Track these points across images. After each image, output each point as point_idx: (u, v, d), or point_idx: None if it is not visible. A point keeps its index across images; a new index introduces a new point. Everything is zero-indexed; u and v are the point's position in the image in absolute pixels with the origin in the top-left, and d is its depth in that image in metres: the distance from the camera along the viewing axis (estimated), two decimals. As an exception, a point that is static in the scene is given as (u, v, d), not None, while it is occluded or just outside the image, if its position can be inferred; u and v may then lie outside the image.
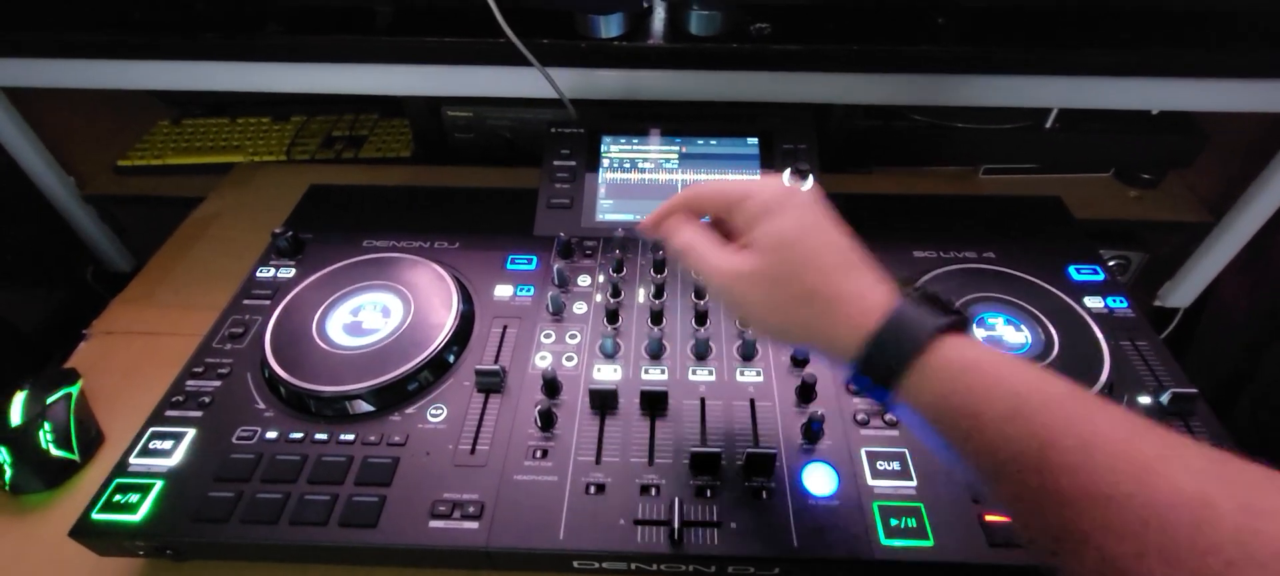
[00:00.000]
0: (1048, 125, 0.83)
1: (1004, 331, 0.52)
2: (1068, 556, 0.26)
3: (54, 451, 0.49)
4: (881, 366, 0.32)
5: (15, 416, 0.50)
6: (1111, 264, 0.86)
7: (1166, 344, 0.53)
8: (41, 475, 0.49)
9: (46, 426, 0.50)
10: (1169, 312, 0.90)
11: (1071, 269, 0.60)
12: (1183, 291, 0.87)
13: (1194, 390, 0.48)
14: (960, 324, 0.32)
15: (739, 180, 0.38)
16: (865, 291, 0.34)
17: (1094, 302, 0.56)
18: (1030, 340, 0.52)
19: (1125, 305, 0.56)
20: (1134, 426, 0.27)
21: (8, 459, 0.48)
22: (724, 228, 0.39)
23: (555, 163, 0.68)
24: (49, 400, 0.51)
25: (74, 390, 0.53)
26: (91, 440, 0.52)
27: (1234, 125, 0.80)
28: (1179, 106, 0.72)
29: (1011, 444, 0.28)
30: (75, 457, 0.51)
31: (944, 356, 0.31)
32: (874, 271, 0.35)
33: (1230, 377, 0.91)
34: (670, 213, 0.40)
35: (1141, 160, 0.87)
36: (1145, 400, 0.49)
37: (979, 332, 0.52)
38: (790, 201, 0.36)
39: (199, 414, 0.48)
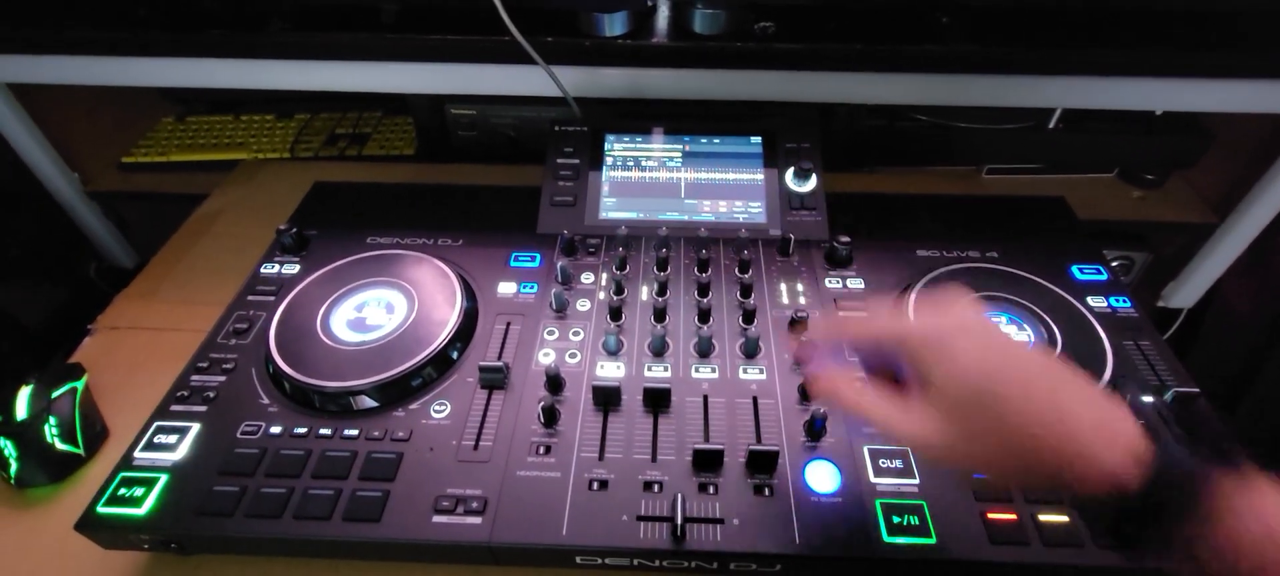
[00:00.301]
0: (1051, 125, 0.83)
1: (1007, 330, 0.52)
2: None
3: (59, 445, 0.50)
4: (1139, 524, 0.29)
5: (21, 410, 0.50)
6: (1115, 264, 0.85)
7: (1171, 344, 0.53)
8: (46, 469, 0.49)
9: (52, 420, 0.50)
10: (1172, 313, 0.90)
11: (1074, 268, 0.60)
12: (1186, 292, 0.87)
13: (1196, 390, 0.48)
14: (1237, 458, 0.29)
15: (901, 323, 0.38)
16: (1106, 423, 0.31)
17: (1097, 302, 0.56)
18: (1033, 339, 0.52)
19: (1128, 305, 0.56)
20: None
21: (13, 453, 0.48)
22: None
23: (559, 160, 0.68)
24: (54, 394, 0.51)
25: (79, 385, 0.53)
26: (96, 434, 0.53)
27: (1239, 125, 0.80)
28: (1183, 107, 0.72)
29: None
30: (80, 452, 0.51)
31: (1228, 515, 0.27)
32: (1088, 390, 0.32)
33: (1233, 379, 0.91)
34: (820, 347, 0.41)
35: (1145, 160, 0.87)
36: (1148, 399, 0.49)
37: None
38: (959, 339, 0.33)
39: (204, 408, 0.48)
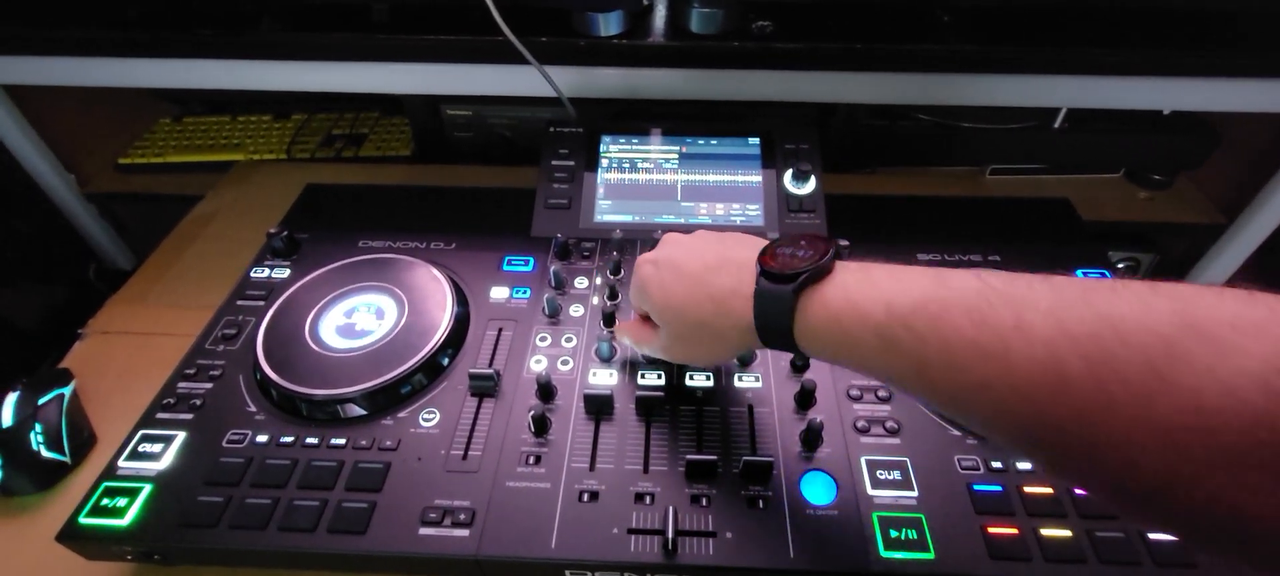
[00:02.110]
0: (1056, 125, 0.82)
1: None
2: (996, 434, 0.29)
3: (45, 453, 0.49)
4: (777, 342, 0.36)
5: (6, 417, 0.49)
6: (1121, 266, 0.84)
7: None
8: (32, 477, 0.49)
9: (38, 428, 0.49)
10: (1179, 316, 0.88)
11: (1078, 272, 0.58)
12: (1194, 295, 0.86)
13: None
14: (821, 268, 0.34)
15: (632, 285, 0.45)
16: (734, 290, 0.37)
17: (1102, 308, 0.55)
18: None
19: (1134, 310, 0.55)
20: (984, 306, 0.28)
21: (-1, 460, 0.48)
22: None
23: (553, 162, 0.67)
24: (41, 401, 0.51)
25: (67, 391, 0.53)
26: (84, 441, 0.52)
27: (1247, 126, 0.78)
28: (1191, 106, 0.71)
29: (895, 372, 0.31)
30: (67, 459, 0.50)
31: (809, 319, 0.34)
32: (732, 263, 0.38)
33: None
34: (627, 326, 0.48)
35: (1152, 161, 0.85)
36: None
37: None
38: (650, 272, 0.42)
39: (190, 416, 0.48)
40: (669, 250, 0.42)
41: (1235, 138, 0.81)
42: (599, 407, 0.47)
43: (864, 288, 0.32)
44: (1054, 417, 0.25)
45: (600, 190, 0.66)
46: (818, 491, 0.43)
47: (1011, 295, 0.28)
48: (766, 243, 0.39)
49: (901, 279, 0.32)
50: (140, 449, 0.45)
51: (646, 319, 0.45)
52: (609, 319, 0.54)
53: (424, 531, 0.41)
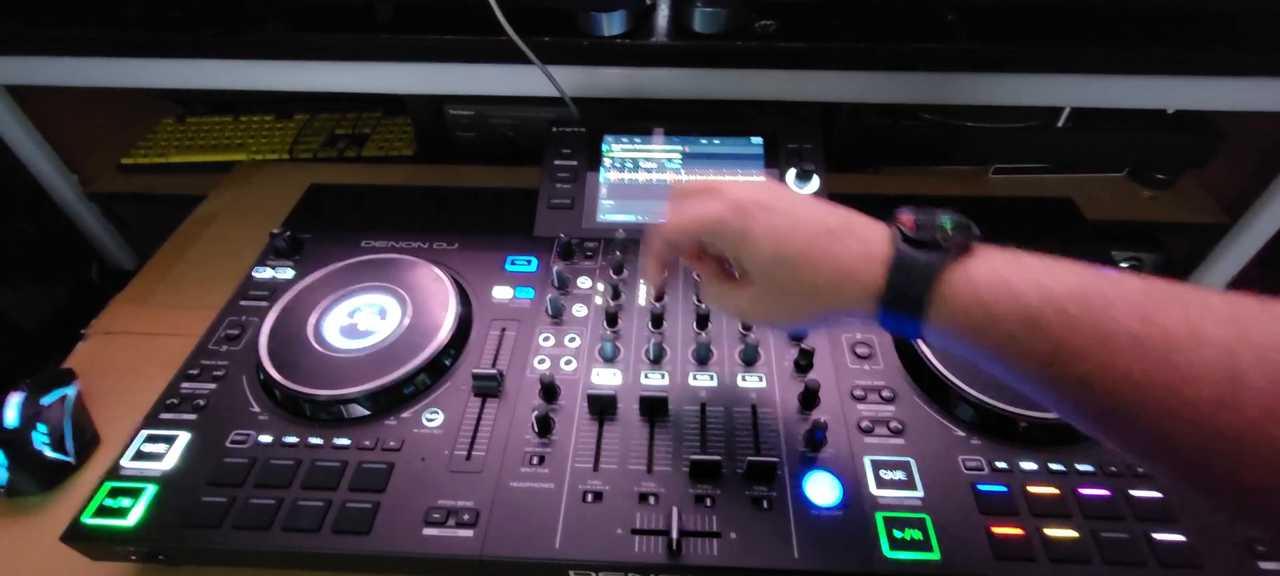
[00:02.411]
0: (1060, 124, 0.81)
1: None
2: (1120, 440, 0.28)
3: (49, 453, 0.49)
4: (902, 315, 0.33)
5: (10, 418, 0.49)
6: (1125, 265, 0.84)
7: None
8: (36, 477, 0.49)
9: (42, 428, 0.49)
10: (1183, 316, 0.88)
11: (1083, 272, 0.58)
12: (1197, 294, 0.85)
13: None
14: (965, 244, 0.32)
15: (702, 210, 0.38)
16: (864, 253, 0.34)
17: (1106, 307, 0.54)
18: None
19: (1139, 310, 0.55)
20: (1150, 303, 0.27)
21: (2, 461, 0.48)
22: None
23: (556, 162, 0.67)
24: (45, 401, 0.51)
25: (70, 391, 0.53)
26: (87, 442, 0.52)
27: (1251, 125, 0.78)
28: (1195, 105, 0.70)
29: (1032, 363, 0.29)
30: (71, 459, 0.50)
31: (951, 294, 0.31)
32: (860, 227, 0.36)
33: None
34: (660, 260, 0.42)
35: (1156, 160, 0.85)
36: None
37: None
38: (752, 215, 0.37)
39: (193, 417, 0.48)
40: (772, 194, 0.38)
41: (1240, 137, 0.81)
42: (603, 408, 0.47)
43: (1015, 268, 0.31)
44: (1219, 425, 0.24)
45: (603, 190, 0.66)
46: (822, 491, 0.43)
47: (1181, 298, 0.27)
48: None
49: (1054, 266, 0.30)
50: (144, 449, 0.45)
51: (712, 265, 0.41)
52: (612, 319, 0.54)
53: (428, 531, 0.41)
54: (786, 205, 0.37)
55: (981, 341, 0.31)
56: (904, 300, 0.33)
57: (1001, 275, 0.31)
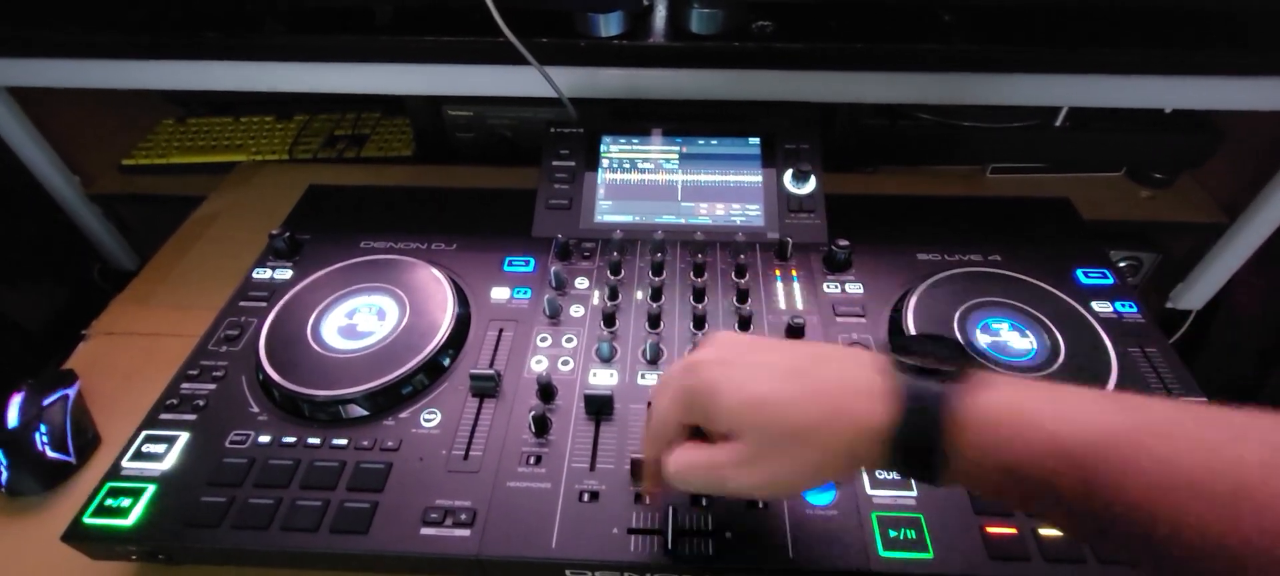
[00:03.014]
0: (1057, 123, 0.81)
1: (1009, 337, 0.51)
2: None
3: (50, 453, 0.49)
4: (916, 461, 0.29)
5: (12, 418, 0.50)
6: (1123, 265, 0.84)
7: (1179, 346, 0.52)
8: (37, 477, 0.49)
9: (43, 428, 0.50)
10: (1181, 315, 0.88)
11: (1079, 272, 0.58)
12: (1195, 293, 0.86)
13: (1203, 398, 0.46)
14: (966, 368, 0.29)
15: (664, 389, 0.35)
16: (854, 383, 0.30)
17: (1102, 307, 0.55)
18: (1036, 346, 0.50)
19: (1135, 310, 0.55)
20: (1205, 434, 0.24)
21: (3, 460, 0.48)
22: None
23: (554, 163, 0.67)
24: (46, 402, 0.51)
25: (71, 392, 0.53)
26: (88, 442, 0.53)
27: (1249, 124, 0.78)
28: (1193, 105, 0.70)
29: (1065, 496, 0.25)
30: (72, 460, 0.51)
31: (968, 432, 0.27)
32: (839, 356, 0.32)
33: (1243, 381, 0.89)
34: (655, 469, 0.36)
35: (1154, 159, 0.85)
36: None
37: (983, 339, 0.51)
38: (718, 372, 0.33)
39: (193, 417, 0.48)
40: (733, 343, 0.34)
41: (1238, 136, 0.81)
42: (599, 408, 0.48)
43: (1035, 399, 0.27)
44: None
45: (601, 190, 0.66)
46: (816, 492, 0.43)
47: (1232, 423, 0.24)
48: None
49: (1081, 397, 0.27)
50: (144, 449, 0.46)
51: (693, 438, 0.35)
52: (609, 319, 0.54)
53: (426, 531, 0.41)
54: (747, 351, 0.34)
55: (1011, 487, 0.27)
56: (916, 444, 0.28)
57: (1020, 408, 0.27)
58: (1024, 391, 0.28)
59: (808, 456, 0.31)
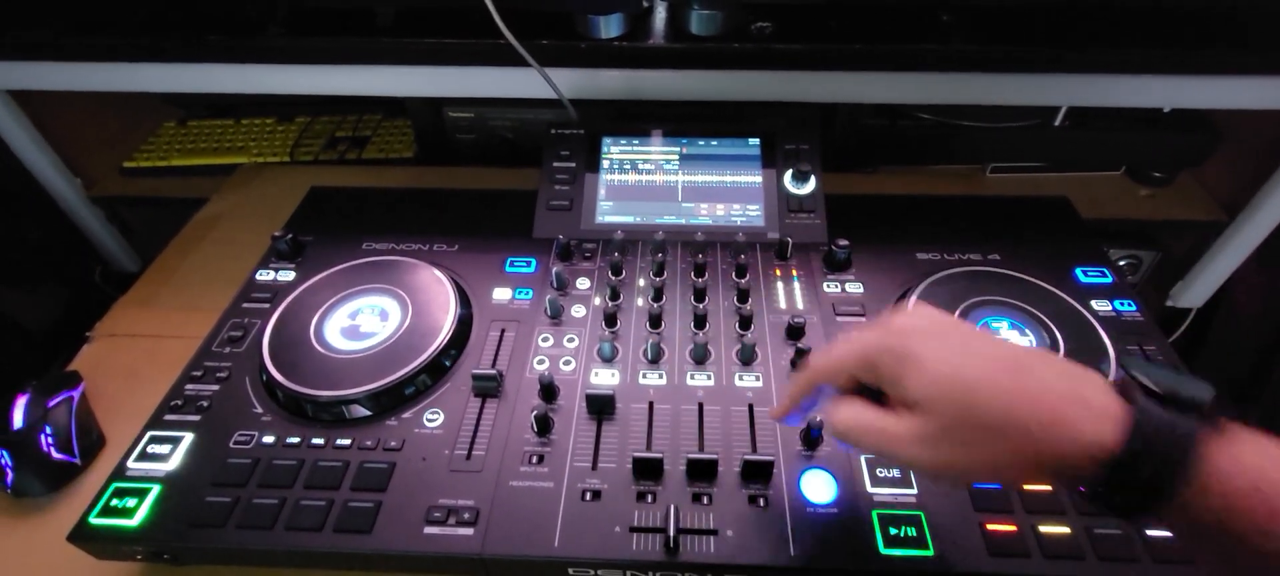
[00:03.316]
0: (1057, 123, 0.82)
1: (1008, 336, 0.51)
2: None
3: (55, 454, 0.50)
4: (1130, 494, 0.27)
5: (17, 420, 0.50)
6: (1122, 263, 0.84)
7: (1179, 345, 0.52)
8: (42, 478, 0.50)
9: (47, 430, 0.50)
10: (1181, 313, 0.89)
11: (1078, 271, 0.59)
12: (1195, 292, 0.86)
13: (1203, 397, 0.47)
14: (1218, 414, 0.27)
15: (855, 338, 0.34)
16: (1076, 398, 0.28)
17: (1101, 305, 0.55)
18: (1035, 345, 0.51)
19: (1134, 308, 0.55)
20: None
21: (9, 462, 0.48)
22: (868, 385, 0.35)
23: (555, 164, 0.67)
24: (50, 403, 0.51)
25: (75, 394, 0.53)
26: (92, 443, 0.53)
27: (1248, 122, 0.78)
28: (1191, 104, 0.71)
29: None
30: (76, 461, 0.51)
31: (1216, 475, 0.25)
32: (1061, 368, 0.30)
33: (1243, 380, 0.90)
34: (800, 391, 0.37)
35: (1153, 158, 0.86)
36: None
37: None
38: (923, 342, 0.31)
39: (197, 418, 0.48)
40: (941, 318, 0.33)
41: (1237, 135, 0.81)
42: (601, 407, 0.48)
43: None
44: None
45: (602, 191, 0.66)
46: (818, 490, 0.43)
47: None
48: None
49: None
50: (149, 450, 0.46)
51: (871, 399, 0.34)
52: (610, 319, 0.54)
53: (429, 530, 0.42)
54: (959, 332, 0.32)
55: (1240, 538, 0.25)
56: (1146, 475, 0.26)
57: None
58: (1264, 440, 0.26)
59: (1001, 454, 0.29)
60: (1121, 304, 0.55)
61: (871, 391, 0.34)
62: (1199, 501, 0.26)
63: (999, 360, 0.30)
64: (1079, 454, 0.27)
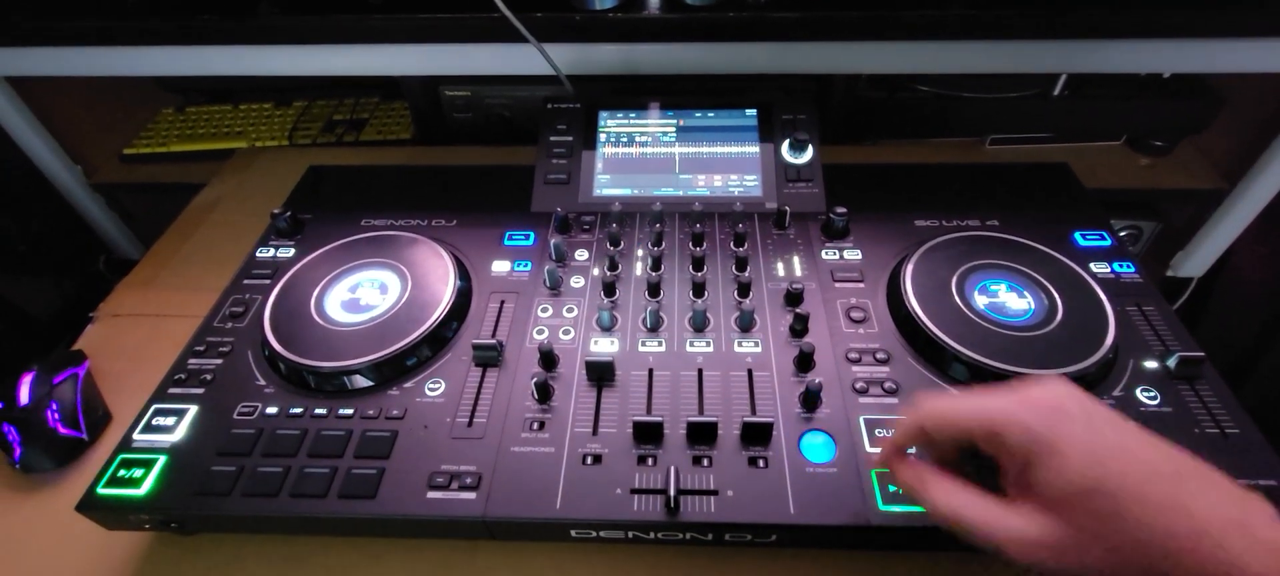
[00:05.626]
0: (1056, 92, 0.81)
1: (1006, 298, 0.52)
2: None
3: (62, 430, 0.50)
4: None
5: (24, 397, 0.50)
6: (1123, 234, 0.84)
7: (1180, 315, 0.52)
8: (50, 453, 0.50)
9: (54, 406, 0.50)
10: (1182, 283, 0.88)
11: (1077, 235, 0.59)
12: (1196, 261, 0.86)
13: (1201, 354, 0.47)
14: None
15: (984, 400, 0.31)
16: (1251, 526, 0.25)
17: (1100, 268, 0.55)
18: (1033, 306, 0.51)
19: (1132, 270, 0.55)
20: None
21: (17, 437, 0.49)
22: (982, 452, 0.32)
23: (552, 138, 0.67)
24: (56, 381, 0.52)
25: (81, 371, 0.54)
26: (98, 419, 0.53)
27: (1250, 88, 0.78)
28: (1192, 69, 0.70)
29: None
30: (83, 436, 0.51)
31: None
32: (1223, 479, 0.27)
33: (1245, 348, 0.89)
34: (907, 441, 0.34)
35: (1154, 126, 0.85)
36: (1152, 365, 0.48)
37: (981, 300, 0.51)
38: (1068, 428, 0.28)
39: (201, 391, 0.49)
40: (1085, 406, 0.29)
41: (1238, 100, 0.81)
42: (601, 374, 0.48)
43: None
44: None
45: (599, 164, 0.66)
46: (817, 450, 0.44)
47: None
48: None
49: None
50: (154, 422, 0.47)
51: (984, 481, 0.31)
52: (609, 289, 0.54)
53: (432, 495, 0.42)
54: (1112, 426, 0.28)
55: None
56: None
57: None
58: None
59: (1147, 572, 0.26)
60: (1120, 266, 0.55)
61: (972, 457, 0.31)
62: None
63: (1155, 469, 0.27)
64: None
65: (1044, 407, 0.29)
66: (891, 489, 0.41)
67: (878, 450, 0.43)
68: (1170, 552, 0.25)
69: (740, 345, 0.50)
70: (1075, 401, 0.29)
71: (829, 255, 0.58)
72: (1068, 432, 0.28)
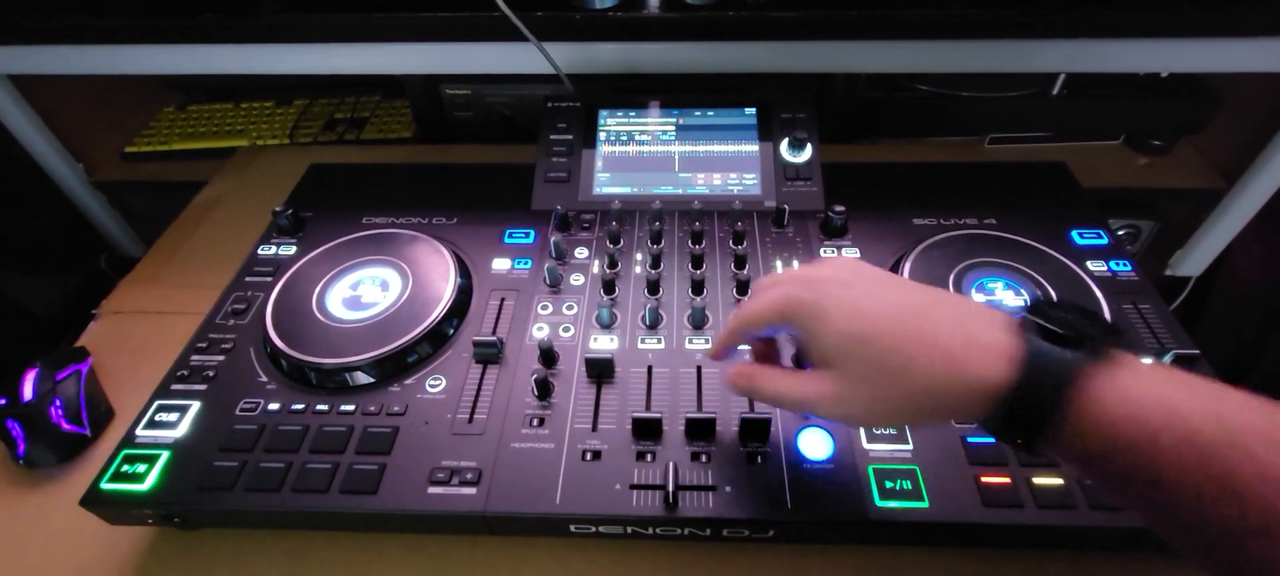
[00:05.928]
0: (1054, 92, 0.82)
1: (1003, 295, 0.52)
2: None
3: (65, 426, 0.51)
4: (1020, 426, 0.28)
5: (27, 393, 0.51)
6: (1121, 233, 0.84)
7: (1178, 314, 0.53)
8: (53, 449, 0.50)
9: (58, 402, 0.51)
10: (1181, 282, 0.89)
11: (1074, 233, 0.59)
12: (1194, 260, 0.86)
13: (1196, 351, 0.47)
14: (1110, 345, 0.27)
15: (773, 289, 0.35)
16: (974, 341, 0.29)
17: (1097, 266, 0.55)
18: (1028, 303, 0.51)
19: (1129, 268, 0.55)
20: None
21: (21, 433, 0.49)
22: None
23: (552, 137, 0.68)
24: (59, 377, 0.52)
25: (83, 367, 0.54)
26: (101, 415, 0.54)
27: (1248, 87, 0.78)
28: (1190, 68, 0.70)
29: (1204, 504, 0.24)
30: (86, 432, 0.52)
31: (1097, 403, 0.26)
32: (961, 308, 0.30)
33: (1243, 347, 0.90)
34: (729, 342, 0.39)
35: (1152, 126, 0.85)
36: (1147, 362, 0.48)
37: (978, 298, 0.52)
38: (825, 291, 0.32)
39: (203, 387, 0.49)
40: (852, 270, 0.33)
41: (1236, 100, 0.81)
42: (600, 371, 0.48)
43: (1174, 386, 0.25)
44: None
45: (599, 163, 0.66)
46: (815, 447, 0.44)
47: None
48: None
49: (1217, 387, 0.25)
50: (157, 418, 0.47)
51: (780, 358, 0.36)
52: (609, 286, 0.55)
53: (433, 490, 0.42)
54: (867, 281, 0.33)
55: (1129, 471, 0.25)
56: (1031, 409, 0.27)
57: (1159, 393, 0.25)
58: (1151, 372, 0.26)
59: (905, 398, 0.30)
60: (1117, 264, 0.56)
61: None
62: (1083, 431, 0.26)
63: (900, 308, 0.31)
64: (971, 393, 0.28)
65: (816, 280, 0.33)
66: (888, 485, 0.42)
67: (876, 447, 0.44)
68: (919, 374, 0.29)
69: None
70: (847, 269, 0.34)
71: (828, 253, 0.58)
72: (835, 296, 0.32)
